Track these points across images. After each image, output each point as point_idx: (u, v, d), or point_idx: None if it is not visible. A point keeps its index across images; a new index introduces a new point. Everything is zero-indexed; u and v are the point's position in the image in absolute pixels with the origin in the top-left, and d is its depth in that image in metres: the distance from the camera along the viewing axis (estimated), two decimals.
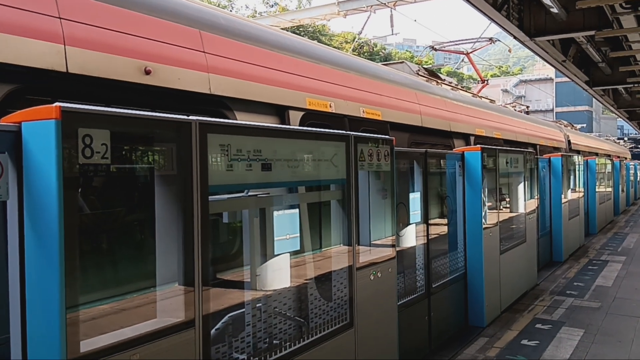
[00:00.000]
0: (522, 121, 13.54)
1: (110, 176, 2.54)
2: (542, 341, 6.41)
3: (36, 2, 3.13)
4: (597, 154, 21.71)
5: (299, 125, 4.97)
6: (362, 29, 24.76)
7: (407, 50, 77.40)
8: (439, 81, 9.91)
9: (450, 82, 10.77)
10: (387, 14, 18.74)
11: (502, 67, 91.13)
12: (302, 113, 5.11)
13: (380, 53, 47.07)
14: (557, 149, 15.48)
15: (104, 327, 2.58)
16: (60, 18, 3.21)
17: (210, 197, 2.94)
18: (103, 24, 3.46)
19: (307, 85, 5.28)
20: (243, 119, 4.41)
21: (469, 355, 5.97)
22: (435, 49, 16.93)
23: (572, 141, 18.29)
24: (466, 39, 15.98)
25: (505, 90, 79.79)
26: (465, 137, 9.08)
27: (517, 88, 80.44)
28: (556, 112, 73.48)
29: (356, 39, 33.04)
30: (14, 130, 2.32)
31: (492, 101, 13.12)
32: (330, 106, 5.52)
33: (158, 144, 2.97)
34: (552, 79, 76.22)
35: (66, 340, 2.22)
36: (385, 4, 18.00)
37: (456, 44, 16.78)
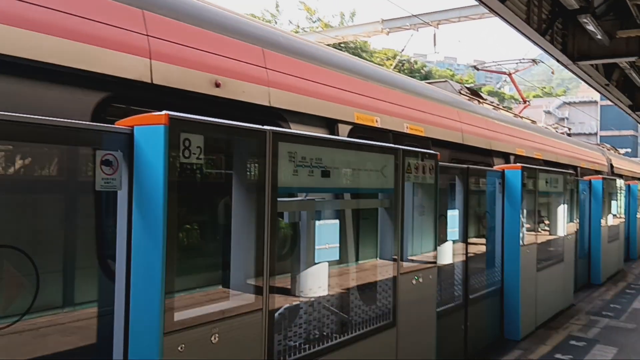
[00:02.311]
0: (563, 142, 13.58)
1: (201, 174, 2.97)
2: (575, 356, 6.59)
3: (128, 20, 3.57)
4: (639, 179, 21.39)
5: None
6: (404, 47, 25.12)
7: (447, 69, 77.12)
8: (481, 100, 10.14)
9: (492, 102, 10.97)
10: (430, 32, 19.08)
11: (545, 88, 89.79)
12: (350, 127, 5.41)
13: (421, 71, 47.26)
14: (598, 172, 15.38)
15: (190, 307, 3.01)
16: (147, 35, 3.66)
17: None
18: (182, 41, 3.89)
19: (355, 100, 5.60)
20: (296, 129, 4.69)
21: None
22: (478, 69, 17.18)
23: (614, 165, 18.09)
24: (509, 60, 16.13)
25: (548, 112, 78.50)
26: (505, 156, 9.28)
27: (560, 110, 79.04)
28: (600, 136, 71.87)
29: (398, 57, 33.36)
30: (128, 132, 2.78)
31: (533, 122, 13.24)
32: (376, 121, 5.83)
33: (238, 149, 3.38)
34: (597, 102, 74.66)
35: (164, 311, 2.65)
36: (428, 23, 18.34)
37: (498, 64, 16.97)
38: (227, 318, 2.97)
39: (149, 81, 3.56)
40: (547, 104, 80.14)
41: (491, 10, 6.76)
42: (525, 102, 15.73)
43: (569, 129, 20.56)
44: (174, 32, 3.86)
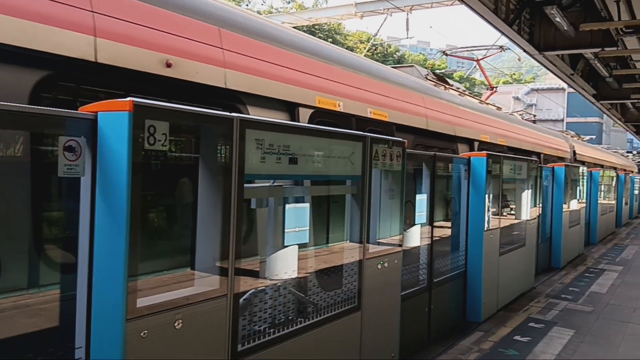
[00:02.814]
0: (527, 129, 13.79)
1: (167, 161, 2.96)
2: (534, 338, 6.83)
3: None
4: (602, 166, 21.90)
5: (308, 123, 5.19)
6: (378, 31, 25.15)
7: (420, 53, 77.45)
8: (447, 86, 10.20)
9: (458, 88, 10.99)
10: (403, 17, 19.15)
11: (514, 74, 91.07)
12: (311, 111, 5.34)
13: (394, 55, 47.40)
14: (561, 159, 15.75)
15: (153, 292, 3.03)
16: (93, 12, 3.48)
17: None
18: (131, 18, 3.73)
19: (317, 84, 5.51)
20: (255, 113, 4.65)
21: (464, 347, 6.39)
22: (447, 54, 17.28)
23: (577, 152, 18.62)
24: (477, 46, 16.27)
25: (517, 98, 79.77)
26: (469, 142, 9.39)
27: (529, 96, 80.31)
28: (566, 122, 73.40)
29: (371, 40, 33.37)
30: (91, 118, 2.76)
31: (498, 108, 13.42)
32: (338, 105, 5.75)
33: (205, 136, 3.38)
34: (564, 89, 75.96)
35: (127, 297, 2.67)
36: (401, 8, 18.39)
37: (467, 50, 17.10)
38: (191, 304, 3.00)
39: (93, 60, 3.41)
40: (517, 90, 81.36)
41: None
42: (492, 88, 15.94)
43: (534, 115, 20.94)
44: (122, 9, 3.71)
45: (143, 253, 3.13)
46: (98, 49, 3.43)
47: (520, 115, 17.02)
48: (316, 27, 36.68)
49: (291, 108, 5.14)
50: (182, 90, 4.08)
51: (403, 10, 17.67)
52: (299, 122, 5.05)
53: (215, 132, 3.27)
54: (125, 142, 2.64)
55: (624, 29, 7.89)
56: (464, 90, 11.25)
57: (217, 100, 4.34)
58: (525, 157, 9.57)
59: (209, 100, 4.23)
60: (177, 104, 2.94)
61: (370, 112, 6.30)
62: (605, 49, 8.84)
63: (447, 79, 10.85)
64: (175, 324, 2.91)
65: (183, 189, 3.76)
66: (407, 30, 19.46)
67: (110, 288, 2.70)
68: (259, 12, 39.85)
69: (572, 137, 21.00)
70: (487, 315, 7.61)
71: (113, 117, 2.70)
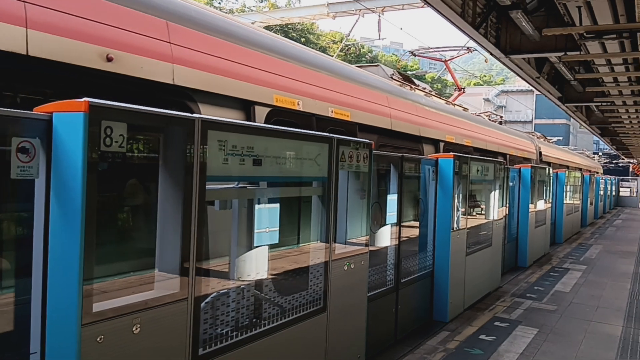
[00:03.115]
0: (494, 130, 13.89)
1: (124, 163, 2.91)
2: (498, 337, 6.94)
3: None
4: (568, 167, 22.34)
5: (265, 122, 5.08)
6: (350, 31, 25.22)
7: (393, 54, 78.04)
8: (413, 86, 10.11)
9: (425, 88, 10.95)
10: (376, 18, 19.26)
11: (484, 76, 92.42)
12: (268, 109, 5.18)
13: (367, 55, 47.64)
14: (527, 160, 16.01)
15: (113, 295, 2.98)
16: (24, 2, 3.29)
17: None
18: (67, 9, 3.52)
19: (275, 81, 5.35)
20: (207, 111, 4.49)
21: (430, 347, 6.45)
22: (415, 55, 17.36)
23: (543, 153, 18.81)
24: (445, 47, 16.33)
25: (487, 100, 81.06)
26: (434, 143, 9.35)
27: (499, 98, 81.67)
28: (535, 124, 74.90)
29: (344, 41, 33.44)
30: (46, 119, 2.69)
31: (465, 109, 13.51)
32: (298, 104, 5.61)
33: (165, 137, 3.32)
34: (533, 91, 77.50)
35: (82, 302, 2.61)
36: (372, 9, 18.48)
37: (435, 51, 17.21)
38: (150, 308, 2.96)
39: (24, 52, 3.23)
40: (487, 92, 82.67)
41: (426, 2, 6.89)
42: (460, 89, 16.10)
43: (501, 116, 21.19)
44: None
45: (101, 256, 3.08)
46: (30, 42, 3.26)
47: (487, 116, 17.15)
48: (289, 26, 36.65)
49: (246, 106, 4.97)
50: (126, 87, 3.90)
51: (375, 12, 17.74)
52: (254, 121, 4.93)
53: (176, 133, 3.23)
54: (80, 144, 2.59)
55: (585, 34, 8.09)
56: (431, 91, 11.23)
57: (165, 97, 4.17)
58: (492, 159, 9.71)
59: (156, 97, 4.08)
60: (120, 101, 2.81)
61: (332, 112, 6.19)
62: (567, 53, 9.06)
63: (413, 79, 10.82)
64: (133, 329, 2.86)
65: (143, 191, 3.70)
66: (379, 31, 19.58)
67: (65, 292, 2.65)
68: (231, 11, 39.61)
69: (538, 138, 21.30)
70: (454, 315, 7.70)
71: (68, 118, 2.64)
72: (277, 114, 5.29)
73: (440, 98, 12.11)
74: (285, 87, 5.49)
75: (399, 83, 9.51)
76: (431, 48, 16.01)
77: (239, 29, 5.35)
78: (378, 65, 9.82)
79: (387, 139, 7.61)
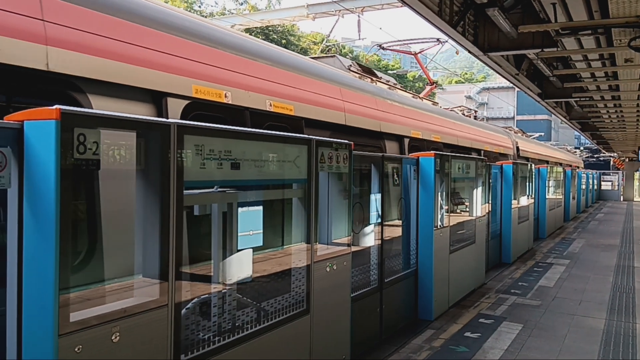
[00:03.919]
0: (465, 125, 13.38)
1: (98, 170, 2.87)
2: (483, 334, 6.98)
3: None
4: (547, 162, 22.42)
5: (181, 116, 4.46)
6: (330, 32, 25.26)
7: (375, 54, 78.22)
8: (374, 79, 9.42)
9: (388, 81, 10.26)
10: (356, 18, 19.31)
11: (466, 74, 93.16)
12: (186, 102, 4.55)
13: (348, 55, 47.74)
14: (504, 156, 15.83)
15: (90, 304, 2.94)
16: None
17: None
18: None
19: (194, 69, 4.69)
20: (101, 104, 3.86)
21: (416, 345, 6.47)
22: (384, 48, 16.23)
23: (521, 148, 18.38)
24: (414, 39, 15.62)
25: (469, 97, 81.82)
26: (398, 139, 8.85)
27: (480, 95, 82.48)
28: (517, 120, 75.74)
29: (324, 41, 33.47)
30: (17, 127, 2.66)
31: (435, 103, 13.09)
32: (225, 96, 4.97)
33: (140, 142, 3.29)
34: (514, 88, 78.28)
35: (58, 312, 2.58)
36: (352, 10, 18.53)
37: (404, 44, 16.33)
38: (129, 316, 2.92)
39: None
40: (469, 89, 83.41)
41: (403, 2, 6.93)
42: (432, 83, 15.67)
43: (475, 111, 20.91)
44: None
45: (79, 264, 3.04)
46: None
47: (460, 111, 16.50)
48: (269, 29, 36.59)
49: (157, 98, 4.32)
50: None
51: (354, 12, 17.79)
52: (167, 116, 4.33)
53: (152, 138, 3.20)
54: (52, 152, 2.55)
55: (560, 30, 8.19)
56: (395, 84, 10.62)
57: (38, 88, 3.59)
58: (474, 157, 9.76)
59: (24, 87, 3.53)
60: None
61: (270, 105, 5.59)
62: (544, 49, 9.17)
63: (375, 71, 10.13)
64: (113, 337, 2.83)
65: (120, 198, 3.65)
66: (359, 31, 19.64)
67: (41, 303, 2.61)
68: (212, 14, 39.43)
69: (515, 133, 20.80)
70: (439, 313, 7.73)
71: (40, 126, 2.60)
72: (198, 108, 4.67)
73: (406, 91, 11.49)
74: (209, 76, 4.85)
75: (357, 75, 8.85)
76: (400, 40, 15.51)
77: (144, 8, 4.59)
78: (334, 56, 9.07)
79: (341, 135, 6.85)
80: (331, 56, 9.11)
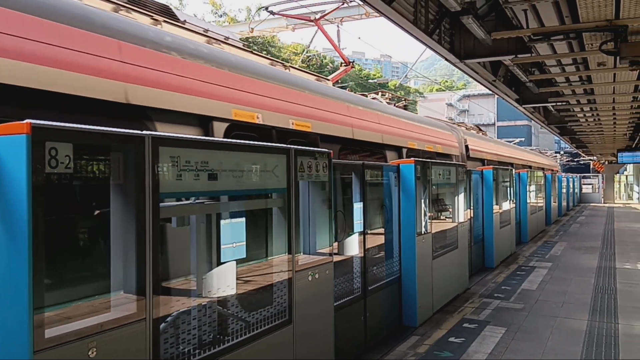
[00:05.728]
0: (385, 116, 9.42)
1: (72, 184, 2.85)
2: (467, 338, 7.01)
3: None
4: (511, 164, 19.13)
5: (224, 136, 5.00)
6: (310, 43, 25.40)
7: (356, 63, 78.60)
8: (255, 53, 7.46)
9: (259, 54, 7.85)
10: (335, 29, 19.44)
11: (446, 82, 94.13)
12: (227, 124, 5.09)
13: (329, 65, 48.00)
14: (446, 156, 12.04)
15: (69, 321, 2.90)
16: None
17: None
18: None
19: (233, 96, 5.27)
20: (164, 129, 4.38)
21: (401, 352, 6.48)
22: (273, 13, 13.25)
23: (471, 147, 14.55)
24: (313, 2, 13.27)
25: (450, 105, 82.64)
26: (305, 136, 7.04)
27: (461, 102, 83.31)
28: (498, 126, 76.65)
29: (305, 52, 33.62)
30: None
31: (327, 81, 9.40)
32: (257, 117, 5.54)
33: (115, 156, 3.28)
34: (494, 95, 79.19)
35: (34, 329, 2.54)
36: (331, 20, 18.65)
37: (304, 7, 13.70)
38: (105, 331, 2.89)
39: None
40: (450, 97, 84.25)
41: (378, 11, 6.98)
42: (348, 63, 11.30)
43: (405, 99, 17.48)
44: None
45: (54, 281, 3.01)
46: None
47: (386, 99, 12.80)
48: (250, 40, 36.64)
49: (204, 122, 4.85)
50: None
51: (333, 22, 17.91)
52: (213, 136, 4.83)
53: (126, 151, 3.18)
54: (24, 167, 2.53)
55: (532, 36, 8.33)
56: (227, 37, 7.23)
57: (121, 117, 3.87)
58: (454, 163, 9.82)
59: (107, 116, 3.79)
60: None
61: (293, 124, 6.18)
62: (518, 55, 9.32)
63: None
64: (89, 353, 2.80)
65: (94, 212, 3.62)
66: (339, 41, 19.73)
67: (16, 320, 2.57)
68: None
69: (467, 129, 17.14)
70: (423, 319, 7.75)
71: (10, 141, 2.58)
72: (237, 129, 5.22)
73: (290, 68, 8.11)
74: (245, 101, 5.43)
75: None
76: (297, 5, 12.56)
77: (192, 45, 5.24)
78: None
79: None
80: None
